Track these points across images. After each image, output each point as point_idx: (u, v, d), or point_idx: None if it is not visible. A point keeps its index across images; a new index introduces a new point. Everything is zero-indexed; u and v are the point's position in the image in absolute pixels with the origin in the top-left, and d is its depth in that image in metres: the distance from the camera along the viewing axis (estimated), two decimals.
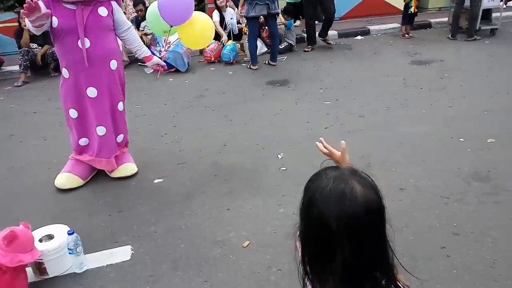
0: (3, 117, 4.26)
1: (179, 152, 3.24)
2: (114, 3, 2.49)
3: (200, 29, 2.92)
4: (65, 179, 2.70)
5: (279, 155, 3.10)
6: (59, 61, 2.50)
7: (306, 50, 6.32)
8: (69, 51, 2.36)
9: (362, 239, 0.82)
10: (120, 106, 2.73)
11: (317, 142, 1.28)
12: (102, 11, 2.40)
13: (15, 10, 6.27)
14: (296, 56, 6.21)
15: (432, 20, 7.50)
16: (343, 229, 0.81)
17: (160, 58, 2.98)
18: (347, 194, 0.82)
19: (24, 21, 5.17)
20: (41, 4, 2.05)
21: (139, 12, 6.08)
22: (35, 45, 5.53)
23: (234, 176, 2.84)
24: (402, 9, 6.79)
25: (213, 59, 5.91)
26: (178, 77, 5.38)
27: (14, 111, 4.45)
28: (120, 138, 2.83)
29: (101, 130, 2.64)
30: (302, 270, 0.90)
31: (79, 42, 2.34)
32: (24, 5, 1.87)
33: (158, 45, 5.72)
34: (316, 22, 6.42)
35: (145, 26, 5.94)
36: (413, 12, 6.60)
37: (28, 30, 2.37)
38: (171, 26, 2.79)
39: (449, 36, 6.52)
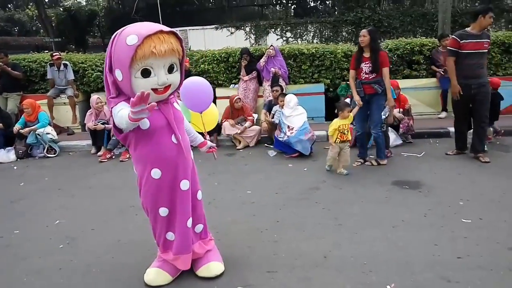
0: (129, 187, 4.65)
1: (272, 256, 2.92)
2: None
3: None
4: (154, 275, 2.61)
5: (388, 286, 2.49)
6: (142, 165, 2.38)
7: (449, 153, 5.30)
8: (165, 148, 2.33)
9: None
10: (199, 195, 2.63)
11: None
12: (177, 105, 2.44)
13: None
14: (438, 152, 5.45)
15: None
16: None
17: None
18: None
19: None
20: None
21: (275, 92, 6.26)
22: None
23: None
24: None
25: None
26: (298, 164, 5.21)
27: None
28: (198, 228, 2.68)
29: (190, 222, 2.54)
30: None
31: (172, 138, 2.34)
32: (136, 95, 1.80)
33: (282, 131, 5.67)
34: None
35: (276, 110, 6.07)
36: None
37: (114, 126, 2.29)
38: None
39: None
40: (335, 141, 4.66)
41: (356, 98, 4.74)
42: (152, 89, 2.13)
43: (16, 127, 6.25)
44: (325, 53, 7.44)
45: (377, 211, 3.62)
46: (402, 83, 6.72)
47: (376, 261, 2.78)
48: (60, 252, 3.16)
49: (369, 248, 2.97)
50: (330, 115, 7.27)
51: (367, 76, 4.69)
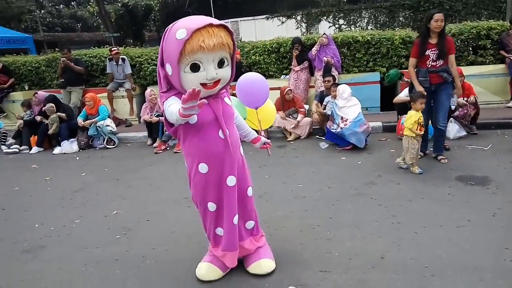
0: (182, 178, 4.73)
1: (325, 255, 2.81)
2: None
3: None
4: (206, 269, 2.63)
5: None
6: (191, 159, 2.39)
7: None
8: (211, 143, 2.30)
9: None
10: (250, 191, 2.57)
11: None
12: (228, 100, 2.37)
13: None
14: (507, 144, 5.00)
15: None
16: None
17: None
18: None
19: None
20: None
21: (327, 82, 6.06)
22: None
23: None
24: None
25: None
26: (352, 157, 5.01)
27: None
28: (249, 224, 2.64)
29: (236, 219, 2.50)
30: None
31: (219, 133, 2.29)
32: (187, 92, 1.77)
33: (335, 123, 5.46)
34: None
35: (328, 101, 5.88)
36: None
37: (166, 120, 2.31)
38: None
39: None
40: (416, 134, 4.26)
41: (420, 89, 4.33)
42: (201, 84, 2.09)
43: (79, 120, 6.61)
44: (382, 40, 7.06)
45: (440, 209, 3.37)
46: (466, 70, 6.23)
47: (439, 265, 2.59)
48: (117, 242, 3.28)
49: (431, 249, 2.77)
50: (386, 105, 6.93)
51: (434, 64, 4.29)
